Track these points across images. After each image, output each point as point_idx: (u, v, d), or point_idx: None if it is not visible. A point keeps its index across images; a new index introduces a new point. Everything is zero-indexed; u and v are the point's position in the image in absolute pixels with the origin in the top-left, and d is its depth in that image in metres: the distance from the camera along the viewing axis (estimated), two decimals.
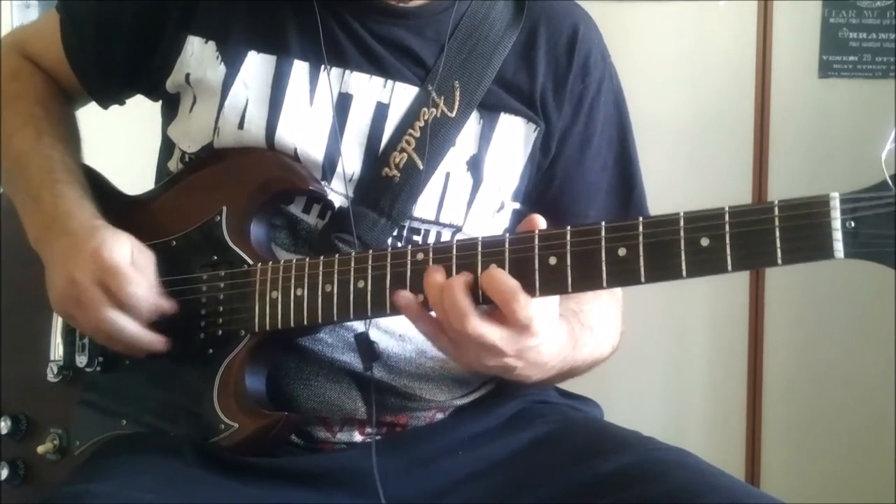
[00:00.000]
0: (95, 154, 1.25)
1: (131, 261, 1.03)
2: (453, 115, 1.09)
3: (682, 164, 2.35)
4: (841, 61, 2.35)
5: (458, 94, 1.09)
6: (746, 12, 2.36)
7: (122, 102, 1.26)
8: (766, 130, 2.38)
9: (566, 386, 1.21)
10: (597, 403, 1.20)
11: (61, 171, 1.13)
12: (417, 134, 1.08)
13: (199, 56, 1.11)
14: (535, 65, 1.13)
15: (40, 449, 1.13)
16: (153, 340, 1.04)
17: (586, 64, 1.15)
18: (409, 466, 1.05)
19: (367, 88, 1.09)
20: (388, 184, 1.07)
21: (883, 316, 2.26)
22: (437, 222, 1.10)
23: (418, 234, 1.10)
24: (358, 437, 1.09)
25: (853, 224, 0.78)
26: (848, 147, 2.34)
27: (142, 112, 1.24)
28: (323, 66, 1.09)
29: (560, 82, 1.14)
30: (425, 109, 1.08)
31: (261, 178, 1.07)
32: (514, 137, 1.12)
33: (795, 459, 2.45)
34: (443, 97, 1.09)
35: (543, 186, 1.16)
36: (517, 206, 1.16)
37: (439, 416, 1.12)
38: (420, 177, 1.07)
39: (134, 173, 1.24)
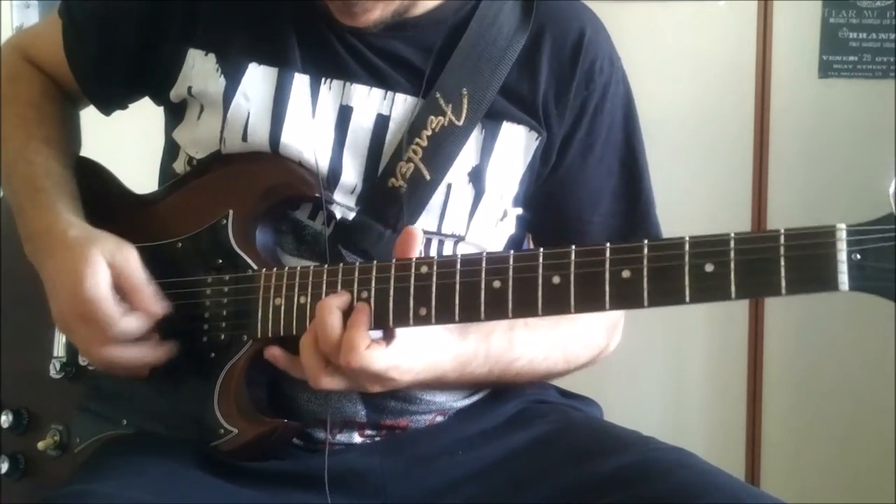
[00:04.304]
0: (99, 154, 1.24)
1: (112, 283, 1.01)
2: (461, 123, 1.07)
3: (682, 164, 2.35)
4: (841, 61, 2.35)
5: (465, 101, 1.07)
6: (746, 12, 2.36)
7: (124, 107, 1.26)
8: (766, 130, 2.38)
9: (566, 385, 1.21)
10: (597, 403, 1.20)
11: (42, 177, 1.12)
12: (425, 143, 1.06)
13: (199, 69, 1.10)
14: (538, 72, 1.11)
15: (41, 445, 1.13)
16: (158, 358, 1.04)
17: (591, 70, 1.12)
18: (409, 467, 1.05)
19: (366, 101, 1.08)
20: (394, 195, 1.05)
21: (883, 315, 2.26)
22: (438, 233, 1.09)
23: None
24: (357, 438, 1.09)
25: (859, 256, 0.78)
26: (848, 147, 2.34)
27: (146, 112, 1.23)
28: (323, 79, 1.08)
29: (563, 90, 1.11)
30: (433, 118, 1.06)
31: (268, 183, 1.06)
32: (515, 146, 1.11)
33: (795, 459, 2.45)
34: (451, 105, 1.07)
35: (545, 193, 1.15)
36: (520, 211, 1.15)
37: (439, 418, 1.12)
38: (426, 187, 1.06)
39: (137, 173, 1.23)
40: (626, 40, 1.15)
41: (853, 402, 2.39)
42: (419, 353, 0.98)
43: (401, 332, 0.96)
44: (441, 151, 1.06)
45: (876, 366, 2.33)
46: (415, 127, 1.06)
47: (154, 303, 1.03)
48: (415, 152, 1.05)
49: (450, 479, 1.04)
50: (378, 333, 0.96)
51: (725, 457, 2.38)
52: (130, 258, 1.03)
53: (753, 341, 2.43)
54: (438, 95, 1.07)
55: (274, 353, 1.01)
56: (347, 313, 0.95)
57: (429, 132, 1.06)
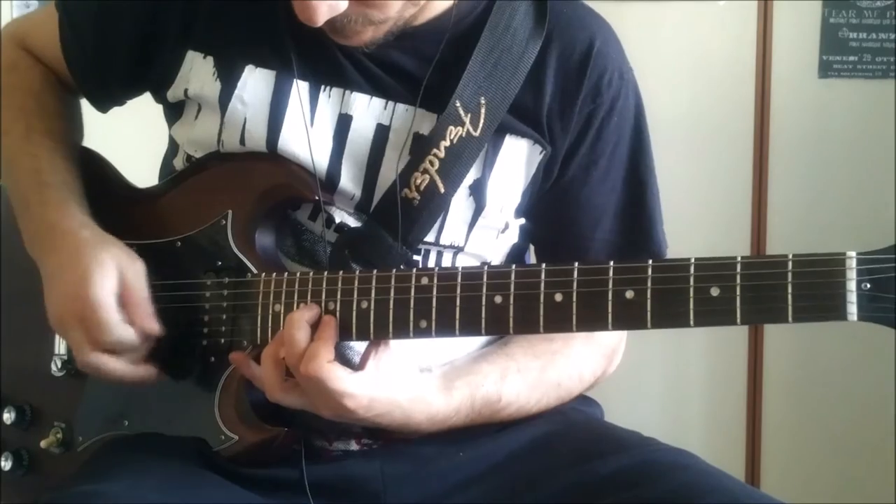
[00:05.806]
0: (101, 145, 1.23)
1: (117, 291, 1.01)
2: (477, 134, 1.03)
3: (682, 164, 2.35)
4: (841, 61, 2.35)
5: (483, 111, 1.03)
6: (746, 12, 2.36)
7: (121, 104, 1.24)
8: (766, 130, 2.38)
9: None
10: (597, 403, 1.19)
11: (48, 171, 1.11)
12: (442, 154, 1.03)
13: (196, 71, 1.09)
14: (544, 84, 1.07)
15: (43, 443, 1.13)
16: (141, 377, 1.04)
17: (598, 84, 1.08)
18: (409, 470, 1.05)
19: (366, 110, 1.06)
20: (407, 207, 1.03)
21: None
22: (437, 244, 1.08)
23: (419, 253, 1.08)
24: (355, 445, 1.08)
25: (869, 286, 0.76)
26: (848, 147, 2.34)
27: (149, 104, 1.22)
28: (322, 87, 1.06)
29: (568, 103, 1.07)
30: (451, 128, 1.03)
31: (267, 184, 1.05)
32: (517, 159, 1.08)
33: (795, 459, 2.45)
34: (469, 115, 1.03)
35: (546, 206, 1.12)
36: (522, 222, 1.13)
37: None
38: (440, 200, 1.03)
39: (139, 165, 1.22)
40: (626, 40, 1.14)
41: (853, 402, 2.39)
42: (383, 393, 0.96)
43: (370, 368, 0.96)
44: (457, 163, 1.03)
45: (876, 366, 2.33)
46: (433, 138, 1.03)
47: (151, 321, 1.03)
48: (431, 164, 1.03)
49: (450, 482, 1.04)
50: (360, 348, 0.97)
51: (725, 457, 2.38)
52: (139, 272, 1.04)
53: (753, 342, 2.43)
54: (458, 105, 1.03)
55: (237, 357, 1.01)
56: (316, 327, 0.96)
57: (447, 143, 1.03)
